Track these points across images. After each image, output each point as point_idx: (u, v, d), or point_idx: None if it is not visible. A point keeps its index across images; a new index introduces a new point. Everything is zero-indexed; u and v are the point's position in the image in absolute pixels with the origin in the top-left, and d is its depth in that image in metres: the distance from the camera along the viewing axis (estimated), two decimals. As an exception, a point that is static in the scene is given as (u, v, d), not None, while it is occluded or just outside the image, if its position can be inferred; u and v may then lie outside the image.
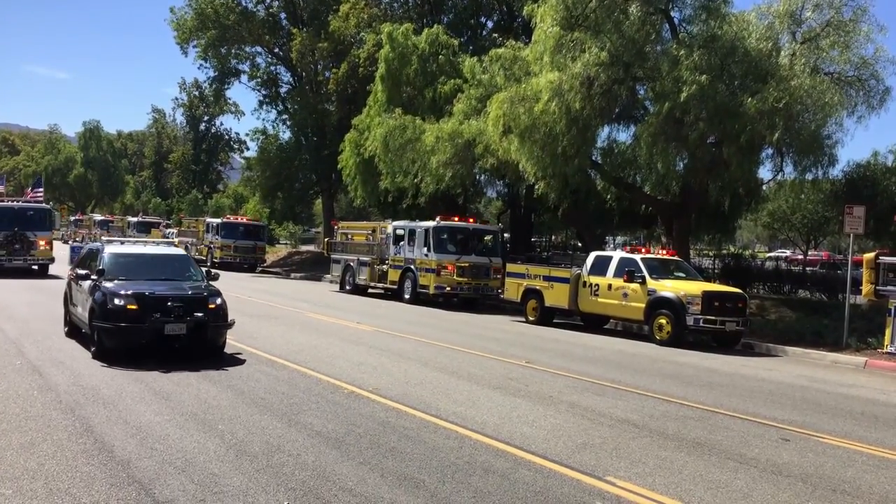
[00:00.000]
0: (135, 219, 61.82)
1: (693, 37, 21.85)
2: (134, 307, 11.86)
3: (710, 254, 31.87)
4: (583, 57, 21.49)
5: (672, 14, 22.76)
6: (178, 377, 11.06)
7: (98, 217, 66.04)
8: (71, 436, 7.85)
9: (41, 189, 39.62)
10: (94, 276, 12.71)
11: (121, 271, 13.08)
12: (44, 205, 31.85)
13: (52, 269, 29.54)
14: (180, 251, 15.28)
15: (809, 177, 23.02)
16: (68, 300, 14.59)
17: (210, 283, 13.52)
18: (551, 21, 22.15)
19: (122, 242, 15.40)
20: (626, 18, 21.28)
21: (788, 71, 20.19)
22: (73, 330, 14.34)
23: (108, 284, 12.40)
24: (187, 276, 13.67)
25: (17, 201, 32.21)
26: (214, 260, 43.04)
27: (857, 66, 20.90)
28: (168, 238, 50.52)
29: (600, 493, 6.86)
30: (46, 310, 18.38)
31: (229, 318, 12.98)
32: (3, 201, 31.34)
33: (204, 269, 14.38)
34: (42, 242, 29.05)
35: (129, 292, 12.09)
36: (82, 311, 13.02)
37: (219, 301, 12.66)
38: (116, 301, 11.92)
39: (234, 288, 29.09)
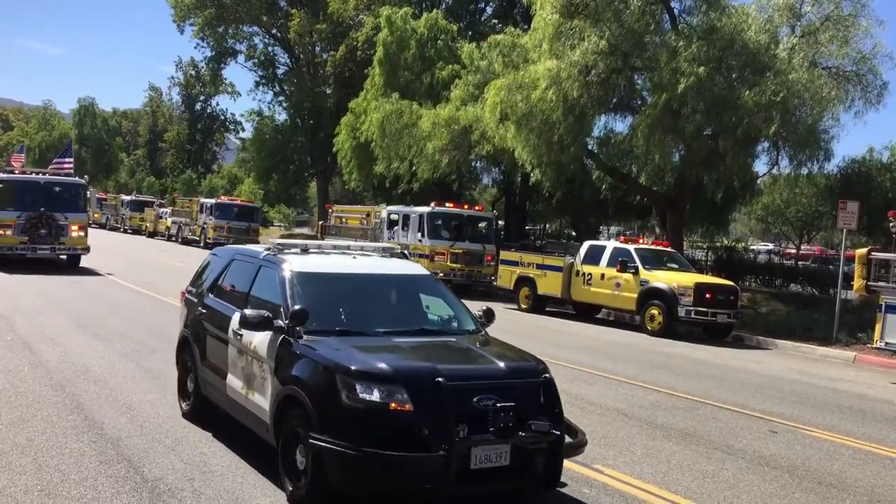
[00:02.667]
0: (128, 197, 61.57)
1: (692, 28, 21.81)
2: (407, 407, 5.54)
3: (704, 246, 31.94)
4: (581, 45, 21.42)
5: (672, 4, 22.71)
6: (169, 357, 11.04)
7: (127, 197, 59.74)
8: (61, 412, 7.85)
9: (71, 159, 30.91)
10: (282, 323, 6.27)
11: (328, 312, 6.58)
12: (77, 179, 24.84)
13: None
14: (415, 267, 7.96)
15: (804, 171, 23.04)
16: (192, 353, 7.96)
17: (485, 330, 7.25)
18: (551, 8, 22.07)
19: (306, 250, 7.48)
20: (627, 8, 21.20)
21: (786, 64, 20.17)
22: (202, 408, 7.83)
23: (326, 347, 6.01)
24: (442, 318, 7.26)
25: (44, 174, 24.55)
26: (208, 241, 42.97)
27: (856, 60, 20.89)
28: (164, 216, 50.39)
29: (588, 480, 6.90)
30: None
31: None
32: (25, 173, 24.36)
33: (455, 299, 7.65)
34: (74, 227, 22.77)
35: (386, 368, 5.68)
36: (245, 390, 6.70)
37: (554, 388, 6.14)
38: (366, 391, 5.56)
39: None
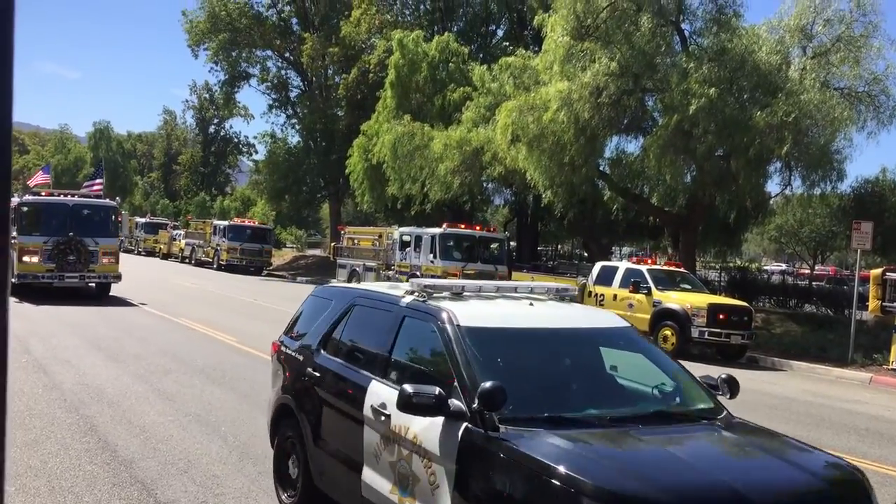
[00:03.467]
0: (142, 220, 61.98)
1: (703, 49, 21.86)
2: None
3: (717, 266, 31.83)
4: (592, 67, 21.51)
5: (683, 26, 22.80)
6: (182, 379, 11.08)
7: (141, 219, 59.41)
8: (75, 434, 7.88)
9: (101, 180, 29.35)
10: (462, 407, 4.40)
11: (521, 388, 4.64)
12: (107, 201, 23.31)
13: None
14: (608, 316, 6.01)
15: (817, 191, 22.99)
16: (299, 429, 6.03)
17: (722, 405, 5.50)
18: (562, 31, 22.20)
19: (461, 293, 5.49)
20: (637, 30, 21.30)
21: (798, 85, 20.17)
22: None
23: (546, 446, 4.01)
24: (661, 390, 5.29)
25: (73, 195, 23.04)
26: (221, 262, 43.17)
27: (868, 81, 20.87)
28: (178, 238, 50.71)
29: None
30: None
31: None
32: (53, 195, 22.60)
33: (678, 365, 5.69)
34: (105, 253, 21.32)
35: (668, 490, 3.75)
36: (398, 496, 4.83)
37: None
38: None
39: (239, 291, 29.19)
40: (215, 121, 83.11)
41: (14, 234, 20.09)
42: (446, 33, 35.51)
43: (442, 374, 4.72)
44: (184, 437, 8.03)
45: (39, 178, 36.00)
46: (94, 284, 21.65)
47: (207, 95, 78.49)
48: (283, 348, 6.76)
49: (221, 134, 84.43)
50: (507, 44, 35.51)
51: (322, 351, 6.07)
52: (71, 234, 20.53)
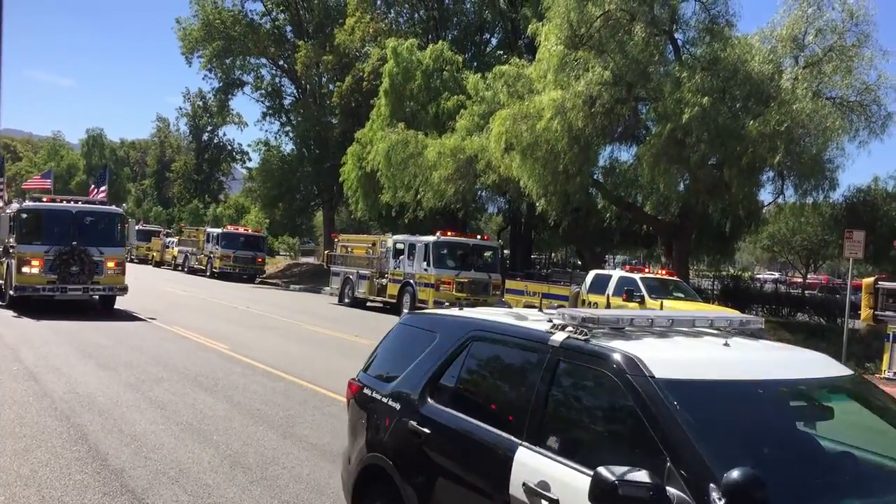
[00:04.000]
0: (135, 227, 61.79)
1: (696, 59, 21.95)
2: None
3: (710, 275, 31.89)
4: (586, 76, 21.59)
5: (676, 36, 22.89)
6: (174, 387, 11.03)
7: (134, 227, 57.35)
8: (65, 443, 7.83)
9: (104, 186, 28.24)
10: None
11: (749, 459, 3.12)
12: (113, 208, 22.18)
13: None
14: (832, 363, 4.24)
15: (810, 200, 23.12)
16: (399, 501, 4.60)
17: None
18: (555, 40, 22.27)
19: (621, 327, 4.02)
20: (630, 39, 21.38)
21: (790, 94, 20.26)
22: None
23: None
24: None
25: (77, 201, 21.44)
26: (214, 270, 43.05)
27: (860, 91, 20.98)
28: (171, 245, 50.56)
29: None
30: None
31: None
32: (56, 201, 20.97)
33: None
34: (111, 264, 19.97)
35: None
36: None
37: None
38: None
39: (232, 299, 29.12)
40: (209, 128, 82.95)
41: (12, 242, 19.41)
42: (440, 42, 35.55)
43: (636, 448, 3.45)
44: (175, 445, 7.98)
45: (37, 181, 33.26)
46: (97, 297, 20.37)
47: (201, 103, 78.36)
48: (366, 391, 5.35)
49: (215, 141, 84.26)
50: (501, 52, 35.63)
51: (429, 399, 4.69)
52: (74, 243, 19.13)
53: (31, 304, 19.17)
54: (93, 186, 30.60)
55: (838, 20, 20.97)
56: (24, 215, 19.68)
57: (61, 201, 20.72)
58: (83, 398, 9.93)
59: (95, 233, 20.02)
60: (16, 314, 18.26)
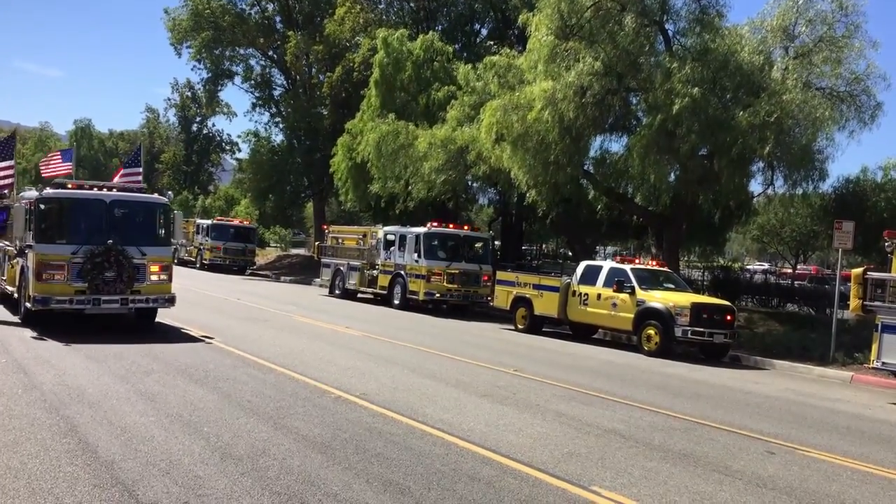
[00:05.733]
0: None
1: (687, 49, 21.96)
2: None
3: (700, 265, 31.96)
4: (577, 66, 21.57)
5: (666, 26, 22.88)
6: (164, 379, 11.00)
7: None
8: (55, 435, 7.80)
9: (139, 168, 23.32)
10: None
11: None
12: (157, 196, 17.94)
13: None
14: None
15: (799, 191, 23.18)
16: None
17: None
18: (546, 30, 22.23)
19: None
20: (621, 29, 21.36)
21: (780, 85, 20.31)
22: None
23: None
24: None
25: (111, 188, 16.38)
26: (204, 261, 42.92)
27: (849, 81, 21.03)
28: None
29: (585, 502, 6.85)
30: None
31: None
32: (84, 188, 16.04)
33: None
34: (155, 268, 15.68)
35: None
36: None
37: None
38: None
39: (223, 290, 29.05)
40: (198, 119, 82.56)
41: (30, 240, 15.09)
42: (431, 32, 35.43)
43: None
44: (165, 437, 7.96)
45: (56, 163, 26.99)
46: (132, 307, 15.56)
47: (190, 93, 77.94)
48: None
49: (204, 132, 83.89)
50: (492, 43, 35.49)
51: None
52: (110, 241, 14.79)
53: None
54: (120, 170, 24.37)
55: (828, 11, 21.02)
56: (44, 206, 15.17)
57: (90, 188, 15.96)
58: (72, 390, 9.88)
59: (134, 228, 15.87)
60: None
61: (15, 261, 16.39)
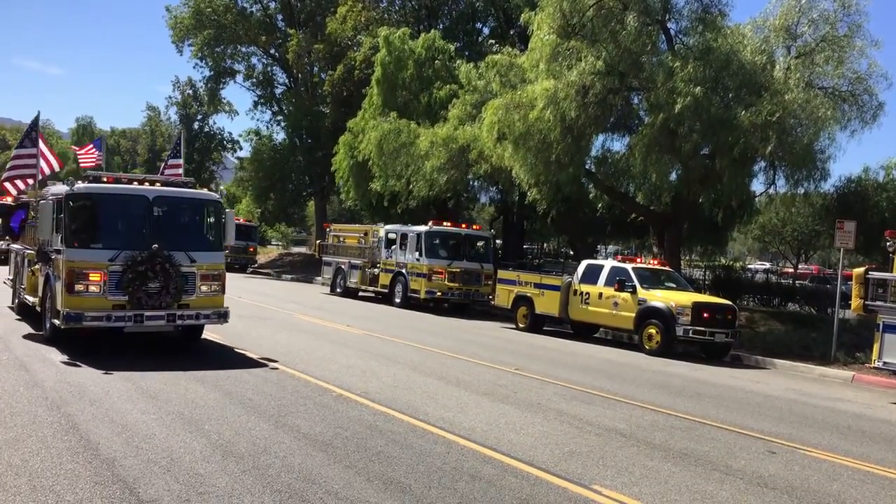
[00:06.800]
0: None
1: (689, 48, 21.92)
2: None
3: (702, 265, 31.93)
4: (579, 65, 21.55)
5: (668, 25, 22.84)
6: (165, 376, 11.00)
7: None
8: (56, 433, 7.80)
9: (180, 160, 21.21)
10: None
11: None
12: (207, 192, 15.49)
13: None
14: None
15: (801, 190, 23.13)
16: None
17: None
18: (548, 29, 22.21)
19: None
20: (623, 28, 21.32)
21: (782, 85, 20.29)
22: None
23: None
24: None
25: (152, 183, 13.71)
26: (205, 259, 42.82)
27: (851, 81, 21.01)
28: None
29: (586, 501, 6.85)
30: None
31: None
32: (122, 181, 13.66)
33: None
34: (206, 277, 13.30)
35: None
36: None
37: None
38: None
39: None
40: (199, 117, 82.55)
41: (58, 245, 12.76)
42: (433, 30, 35.42)
43: None
44: (167, 435, 7.96)
45: (90, 153, 24.32)
46: (179, 325, 13.23)
47: (191, 91, 77.93)
48: None
49: (205, 130, 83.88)
50: (494, 42, 35.43)
51: None
52: (155, 245, 12.52)
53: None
54: (171, 159, 21.83)
55: (830, 10, 21.00)
56: (76, 203, 12.70)
57: (129, 182, 13.60)
58: (74, 388, 9.89)
59: (181, 229, 13.71)
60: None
61: (36, 267, 14.22)
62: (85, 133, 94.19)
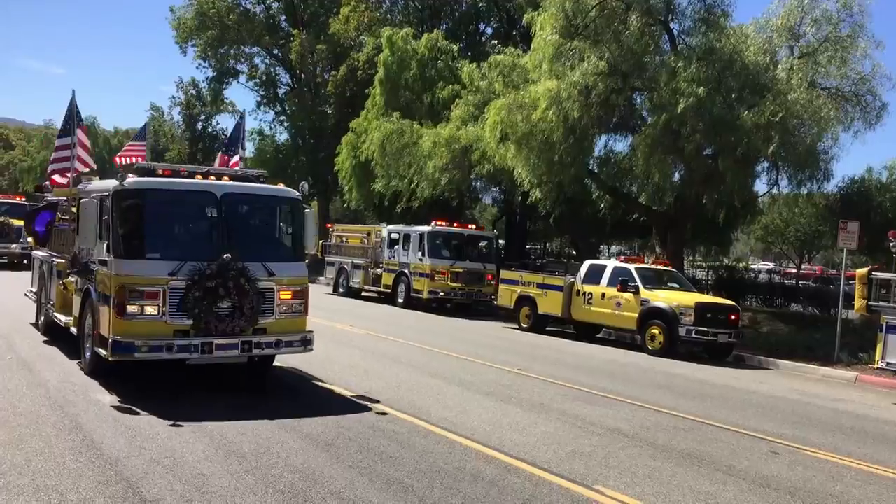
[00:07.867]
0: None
1: (692, 49, 21.91)
2: None
3: (704, 265, 31.91)
4: (581, 66, 21.54)
5: (671, 26, 22.83)
6: (167, 376, 11.00)
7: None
8: (59, 432, 7.82)
9: (242, 151, 18.82)
10: None
11: None
12: (283, 188, 11.59)
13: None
14: None
15: (804, 191, 23.15)
16: None
17: None
18: (551, 29, 22.20)
19: None
20: (626, 29, 21.33)
21: (785, 85, 20.27)
22: None
23: None
24: None
25: (219, 177, 10.66)
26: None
27: (855, 81, 20.99)
28: None
29: (589, 501, 6.86)
30: None
31: None
32: (180, 174, 10.66)
33: None
34: (286, 294, 10.56)
35: None
36: None
37: None
38: None
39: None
40: (202, 117, 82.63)
41: (104, 254, 9.99)
42: (435, 31, 35.43)
43: None
44: (169, 434, 7.97)
45: (134, 148, 22.34)
46: (255, 354, 10.31)
47: (194, 92, 78.03)
48: None
49: (209, 131, 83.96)
50: (497, 42, 35.46)
51: None
52: (226, 255, 9.79)
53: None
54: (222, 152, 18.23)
55: (833, 10, 20.99)
56: (128, 202, 10.01)
57: (190, 176, 10.68)
58: (77, 387, 9.90)
59: (255, 234, 11.22)
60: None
61: (70, 280, 11.71)
62: (89, 133, 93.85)
